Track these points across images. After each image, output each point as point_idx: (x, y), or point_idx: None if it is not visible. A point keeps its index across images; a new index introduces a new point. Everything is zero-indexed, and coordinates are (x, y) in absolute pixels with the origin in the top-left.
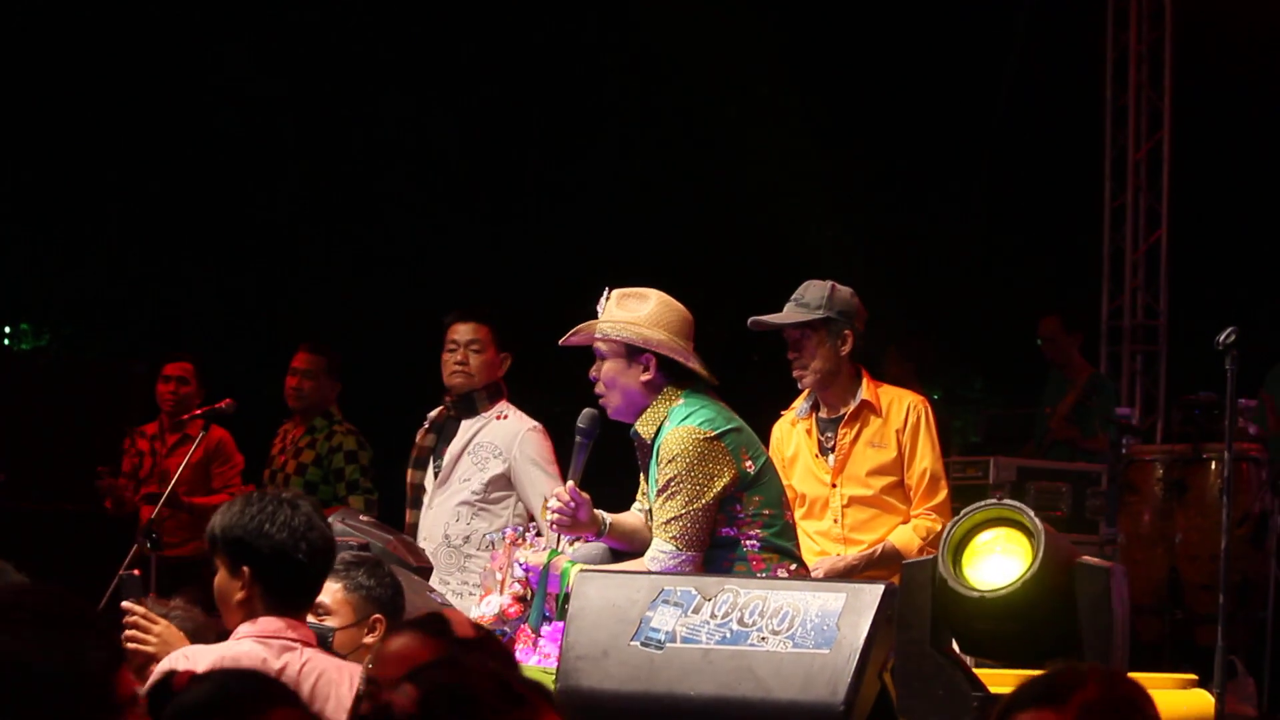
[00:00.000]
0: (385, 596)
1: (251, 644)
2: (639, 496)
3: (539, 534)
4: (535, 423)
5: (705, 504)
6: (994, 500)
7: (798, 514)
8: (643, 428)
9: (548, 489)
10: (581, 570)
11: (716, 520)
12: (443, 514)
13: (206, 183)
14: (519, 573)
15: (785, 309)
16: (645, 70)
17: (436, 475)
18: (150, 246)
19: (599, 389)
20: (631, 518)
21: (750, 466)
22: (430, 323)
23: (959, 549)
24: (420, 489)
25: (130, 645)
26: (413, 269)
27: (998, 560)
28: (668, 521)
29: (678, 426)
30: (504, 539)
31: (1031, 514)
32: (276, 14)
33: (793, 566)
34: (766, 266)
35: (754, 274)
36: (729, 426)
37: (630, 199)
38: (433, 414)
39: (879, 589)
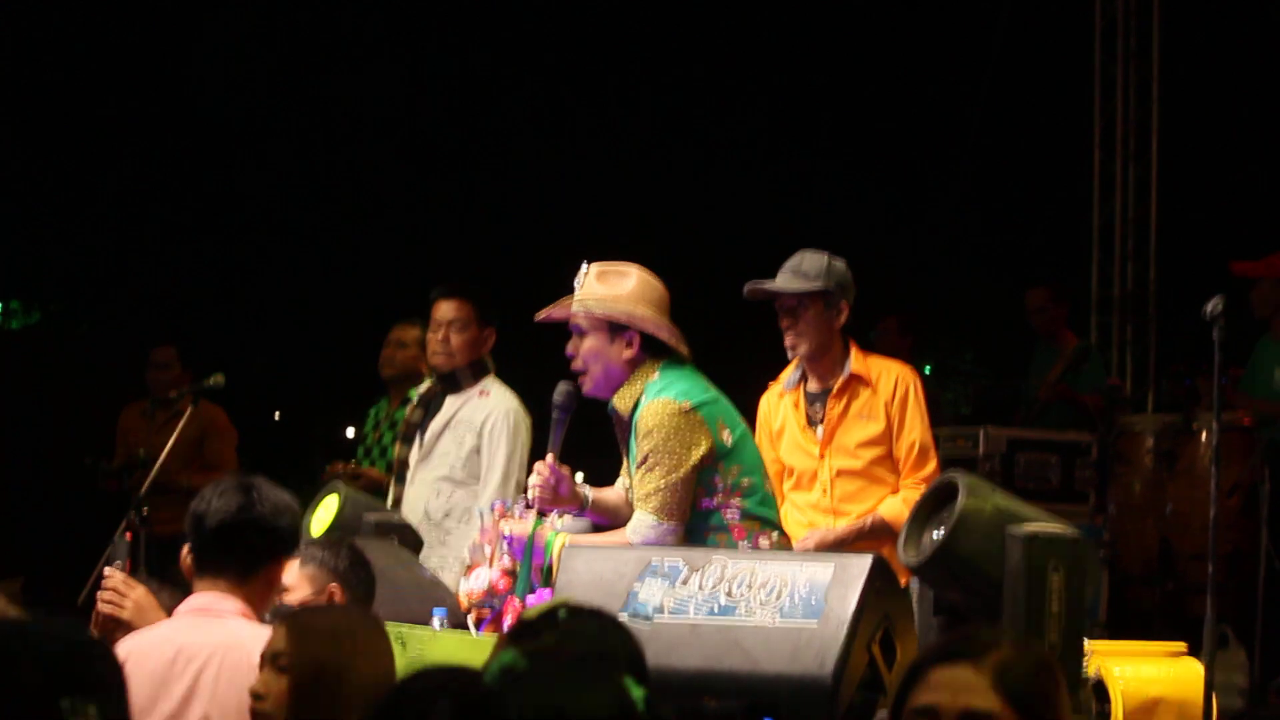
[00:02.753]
0: (341, 567)
1: (166, 625)
2: (623, 472)
3: (529, 506)
4: (516, 402)
5: (684, 475)
6: (950, 473)
7: (786, 486)
8: (619, 402)
9: (504, 466)
10: (568, 544)
11: (696, 491)
12: (424, 489)
13: (196, 160)
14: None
15: (780, 277)
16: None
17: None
18: (139, 224)
19: (577, 365)
20: (614, 493)
21: (727, 437)
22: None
23: (925, 521)
24: (405, 464)
25: (105, 608)
26: (402, 243)
27: (940, 530)
28: (648, 494)
29: (654, 400)
30: (493, 512)
31: (964, 483)
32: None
33: (774, 535)
34: (754, 237)
35: (741, 246)
36: (705, 398)
37: (616, 165)
38: (421, 389)
39: (867, 560)
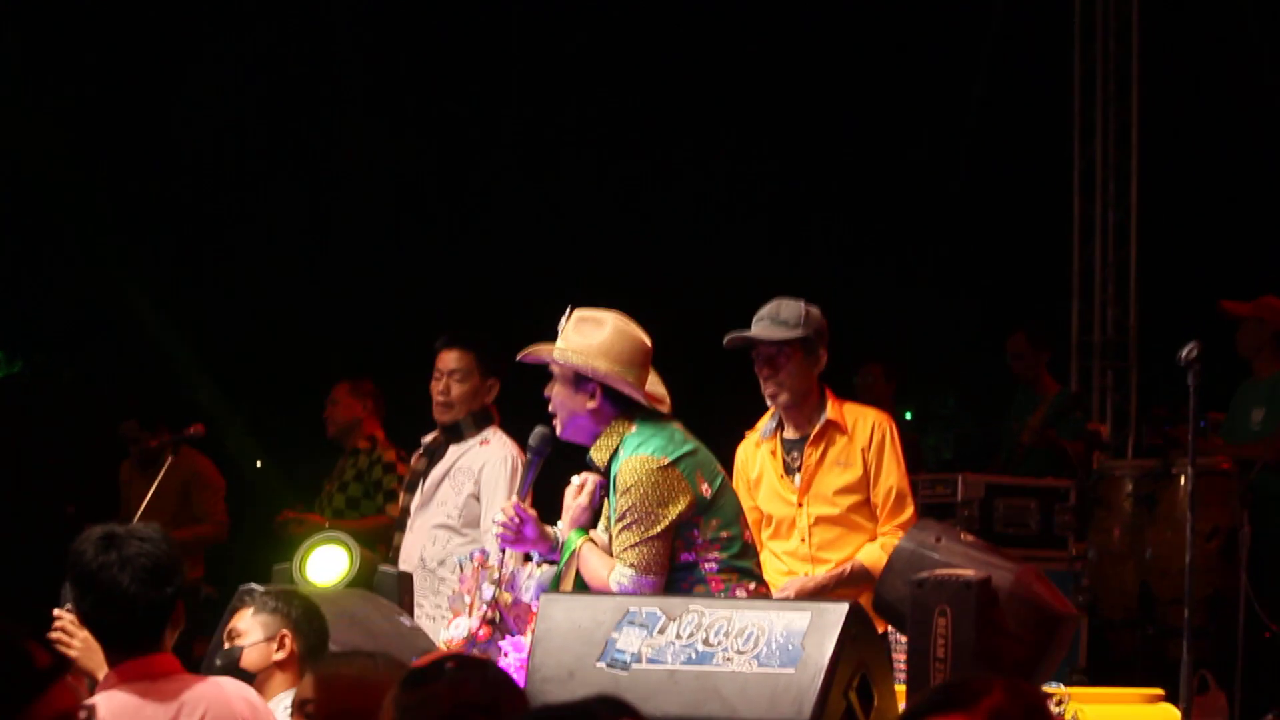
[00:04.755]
0: (294, 615)
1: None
2: (602, 519)
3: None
4: (514, 450)
5: (661, 532)
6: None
7: (764, 534)
8: (597, 455)
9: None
10: (547, 594)
11: (675, 545)
12: (420, 537)
13: (181, 209)
14: (487, 595)
15: (758, 326)
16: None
17: None
18: (123, 273)
19: (551, 408)
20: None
21: (707, 490)
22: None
23: None
24: (408, 512)
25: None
26: (389, 292)
27: None
28: (626, 550)
29: (632, 456)
30: (472, 561)
31: (912, 532)
32: (243, 36)
33: (751, 585)
34: (732, 285)
35: (719, 293)
36: (682, 452)
37: (599, 217)
38: (427, 439)
39: (844, 608)
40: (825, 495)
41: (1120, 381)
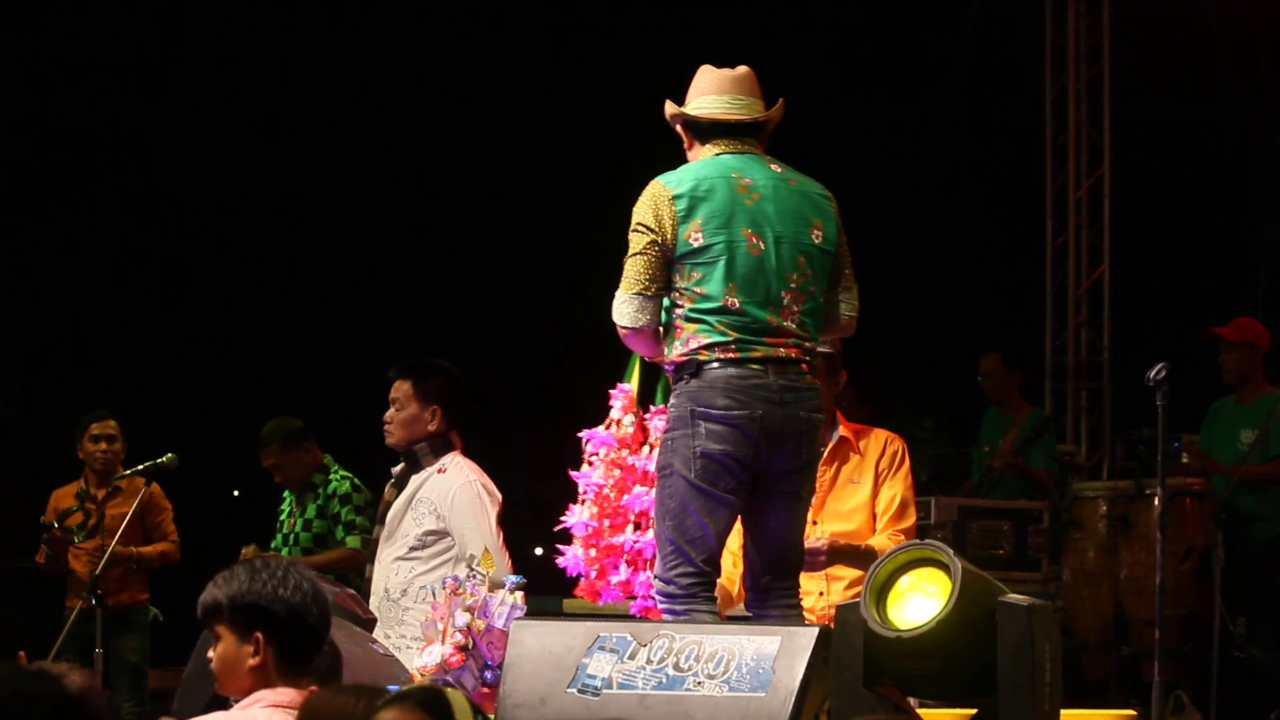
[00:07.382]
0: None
1: (269, 712)
2: None
3: (480, 582)
4: (473, 475)
5: (642, 249)
6: (916, 541)
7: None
8: None
9: (478, 542)
10: (518, 620)
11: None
12: (384, 568)
13: (153, 240)
14: (460, 621)
15: None
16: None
17: None
18: (98, 306)
19: None
20: None
21: (696, 239)
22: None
23: (883, 590)
24: (377, 543)
25: None
26: (363, 321)
27: (919, 600)
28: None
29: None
30: (444, 588)
31: (951, 553)
32: (218, 69)
33: (708, 340)
34: None
35: None
36: (691, 190)
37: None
38: (396, 469)
39: (814, 631)
40: (839, 512)
41: (1094, 403)
